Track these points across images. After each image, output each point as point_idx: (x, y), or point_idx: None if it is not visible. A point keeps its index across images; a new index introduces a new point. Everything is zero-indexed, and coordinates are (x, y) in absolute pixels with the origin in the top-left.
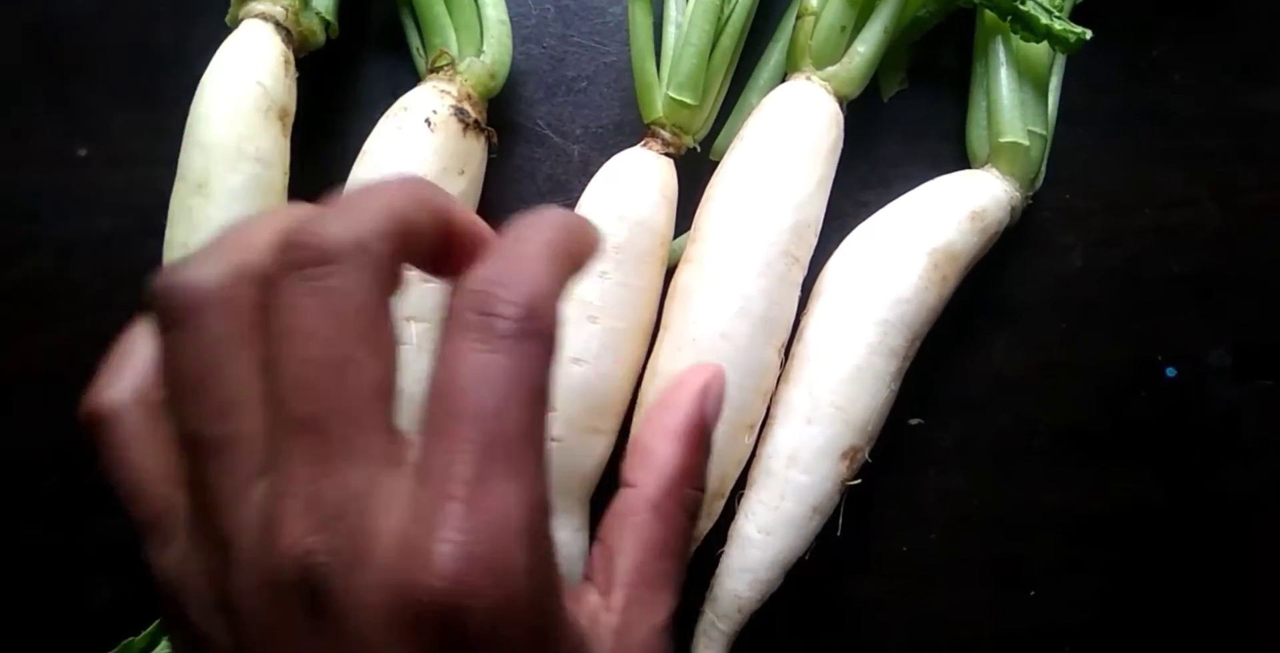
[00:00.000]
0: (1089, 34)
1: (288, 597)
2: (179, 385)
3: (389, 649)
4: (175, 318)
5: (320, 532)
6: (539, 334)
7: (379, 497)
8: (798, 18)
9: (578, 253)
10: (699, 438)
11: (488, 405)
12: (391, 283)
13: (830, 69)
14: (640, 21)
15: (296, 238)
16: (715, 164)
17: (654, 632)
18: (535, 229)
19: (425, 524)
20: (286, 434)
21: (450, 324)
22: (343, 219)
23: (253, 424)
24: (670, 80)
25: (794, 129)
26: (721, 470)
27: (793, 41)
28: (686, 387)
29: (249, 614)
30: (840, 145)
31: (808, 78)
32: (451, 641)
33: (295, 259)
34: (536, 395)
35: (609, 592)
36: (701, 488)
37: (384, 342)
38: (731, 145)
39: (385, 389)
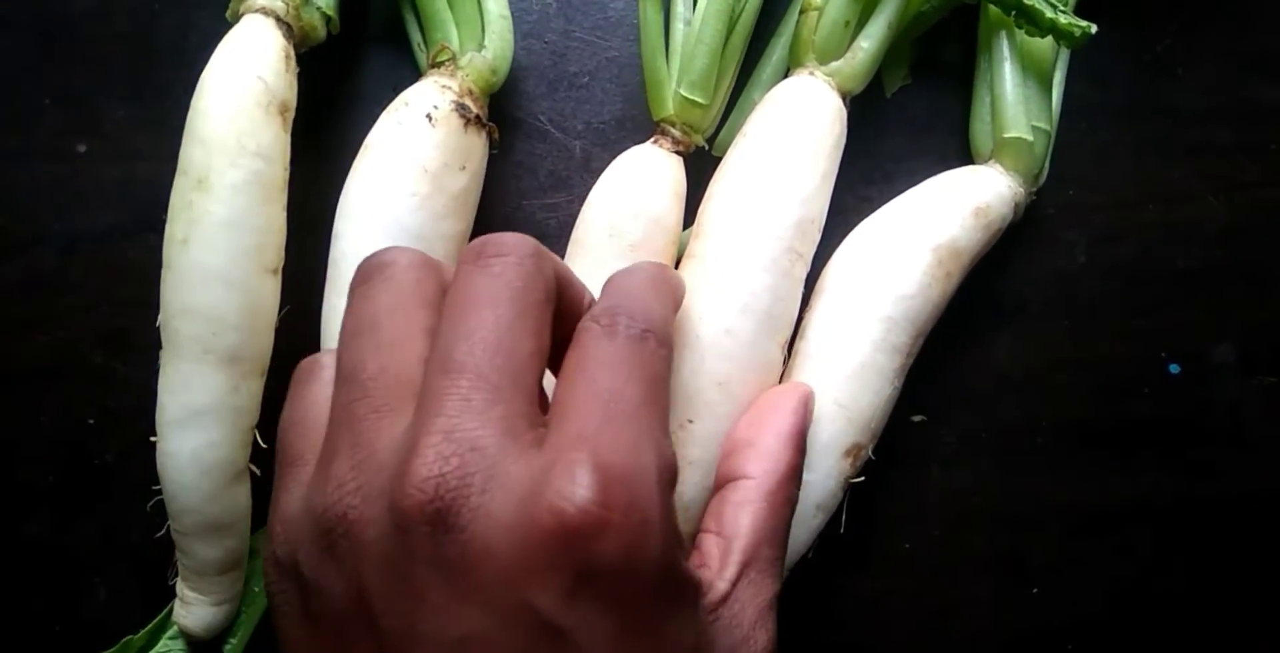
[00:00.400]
0: (1094, 28)
1: (415, 523)
2: (354, 327)
3: (517, 576)
4: (370, 273)
5: (456, 458)
6: (655, 338)
7: (517, 441)
8: (801, 13)
9: (674, 289)
10: (803, 442)
11: (616, 378)
12: (552, 293)
13: (833, 64)
14: (651, 18)
15: (480, 239)
16: (717, 160)
17: (766, 606)
18: (636, 273)
19: (563, 458)
20: (442, 376)
21: (577, 337)
22: (518, 235)
23: (406, 367)
24: (682, 78)
25: (797, 125)
26: None
27: (796, 36)
28: (789, 395)
29: (371, 548)
30: (843, 141)
31: (811, 73)
32: (583, 569)
33: (478, 251)
34: (656, 380)
35: (722, 569)
36: (799, 486)
37: (542, 329)
38: (734, 142)
39: (537, 363)
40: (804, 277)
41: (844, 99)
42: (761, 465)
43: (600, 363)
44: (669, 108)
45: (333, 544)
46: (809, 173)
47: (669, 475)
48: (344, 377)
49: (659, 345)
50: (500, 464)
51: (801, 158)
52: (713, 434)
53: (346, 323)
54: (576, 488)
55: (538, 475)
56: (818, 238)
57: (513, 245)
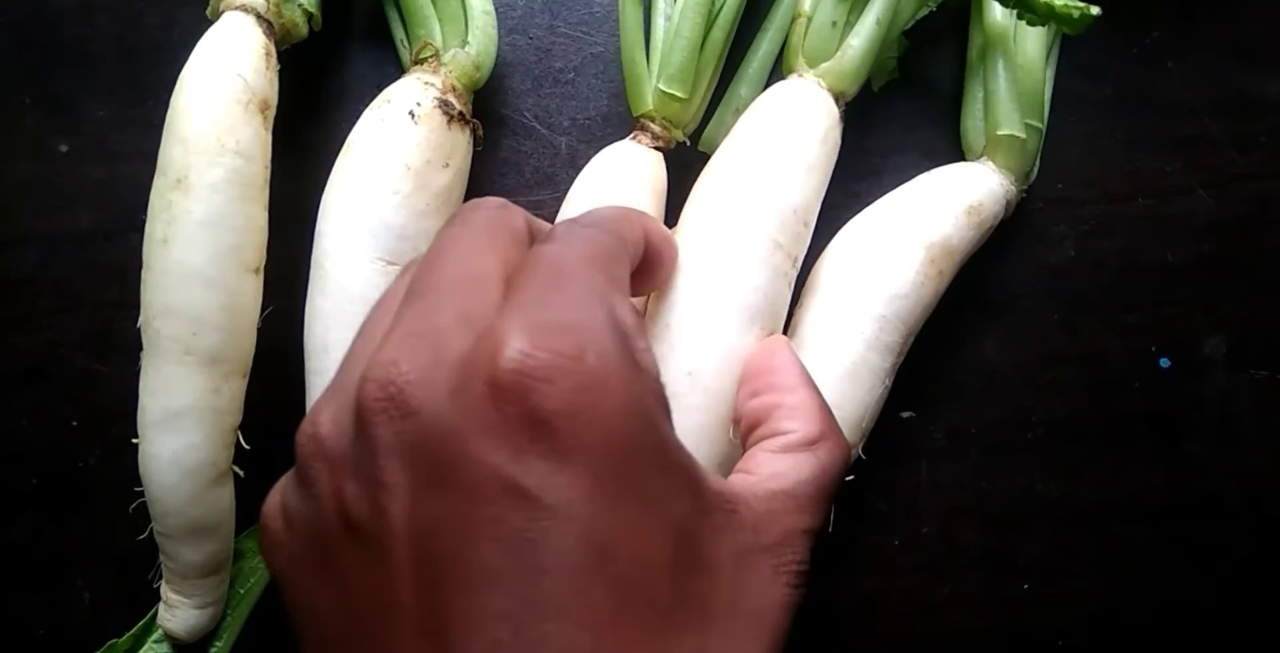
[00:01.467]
0: (1095, 9)
1: (373, 415)
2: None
3: (470, 442)
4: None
5: (402, 349)
6: (599, 227)
7: (467, 325)
8: (792, 21)
9: (632, 215)
10: (815, 386)
11: (557, 257)
12: (520, 233)
13: (824, 65)
14: (630, 13)
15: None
16: (704, 157)
17: (801, 531)
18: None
19: (500, 319)
20: (405, 301)
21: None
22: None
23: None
24: (661, 73)
25: (782, 120)
26: (714, 465)
27: (786, 44)
28: (780, 349)
29: (342, 460)
30: (835, 138)
31: (799, 75)
32: (533, 419)
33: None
34: (601, 254)
35: (754, 485)
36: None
37: (509, 255)
38: (724, 139)
39: (497, 280)
40: (790, 270)
41: (836, 99)
42: (796, 419)
43: (541, 254)
44: (648, 103)
45: (305, 473)
46: (791, 164)
47: (624, 329)
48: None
49: (601, 232)
50: (445, 343)
51: (787, 151)
52: (684, 425)
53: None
54: (511, 339)
55: (476, 343)
56: (802, 231)
57: (479, 202)
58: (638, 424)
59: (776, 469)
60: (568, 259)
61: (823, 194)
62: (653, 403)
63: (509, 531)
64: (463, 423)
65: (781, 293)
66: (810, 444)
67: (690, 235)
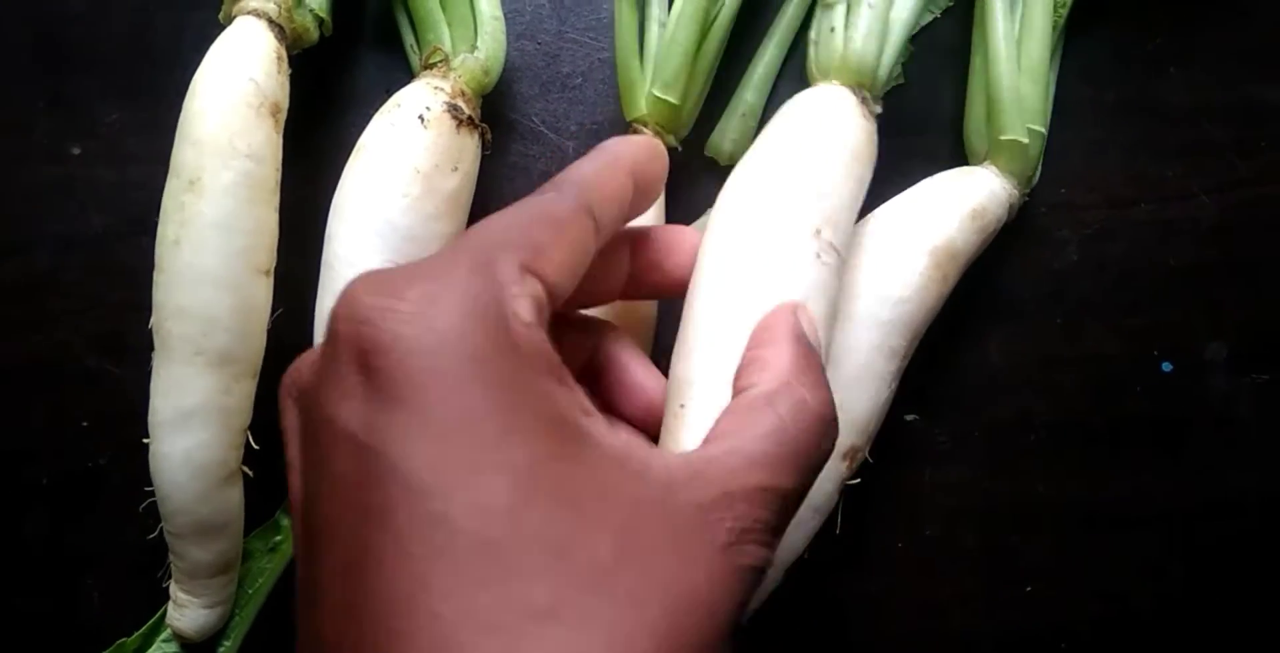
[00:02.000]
0: None
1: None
2: None
3: (318, 399)
4: None
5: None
6: (565, 191)
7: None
8: (805, 45)
9: (620, 160)
10: (803, 342)
11: (482, 224)
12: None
13: (835, 67)
14: (626, 20)
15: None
16: (695, 159)
17: (755, 488)
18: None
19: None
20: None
21: None
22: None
23: None
24: (655, 79)
25: (810, 120)
26: None
27: (804, 67)
28: (779, 307)
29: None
30: (864, 130)
31: (815, 84)
32: (361, 363)
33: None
34: (536, 216)
35: (700, 444)
36: (820, 391)
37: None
38: (732, 144)
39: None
40: (831, 259)
41: (854, 91)
42: (761, 373)
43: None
44: (641, 108)
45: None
46: (828, 165)
47: (495, 276)
48: None
49: (559, 197)
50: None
51: (816, 148)
52: (707, 418)
53: None
54: (350, 292)
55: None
56: (843, 220)
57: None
58: (466, 359)
59: (725, 428)
60: (485, 224)
61: (865, 185)
62: (508, 344)
63: (346, 482)
64: (319, 384)
65: (830, 284)
66: (769, 398)
67: (730, 234)
